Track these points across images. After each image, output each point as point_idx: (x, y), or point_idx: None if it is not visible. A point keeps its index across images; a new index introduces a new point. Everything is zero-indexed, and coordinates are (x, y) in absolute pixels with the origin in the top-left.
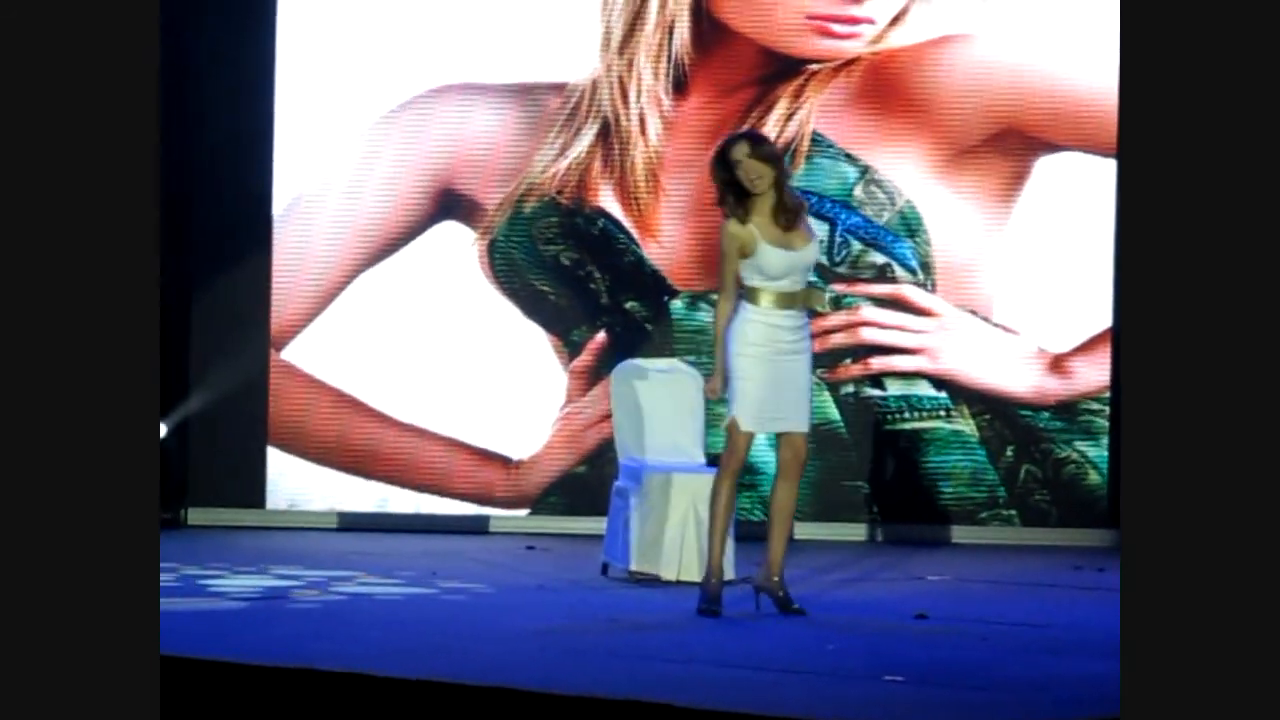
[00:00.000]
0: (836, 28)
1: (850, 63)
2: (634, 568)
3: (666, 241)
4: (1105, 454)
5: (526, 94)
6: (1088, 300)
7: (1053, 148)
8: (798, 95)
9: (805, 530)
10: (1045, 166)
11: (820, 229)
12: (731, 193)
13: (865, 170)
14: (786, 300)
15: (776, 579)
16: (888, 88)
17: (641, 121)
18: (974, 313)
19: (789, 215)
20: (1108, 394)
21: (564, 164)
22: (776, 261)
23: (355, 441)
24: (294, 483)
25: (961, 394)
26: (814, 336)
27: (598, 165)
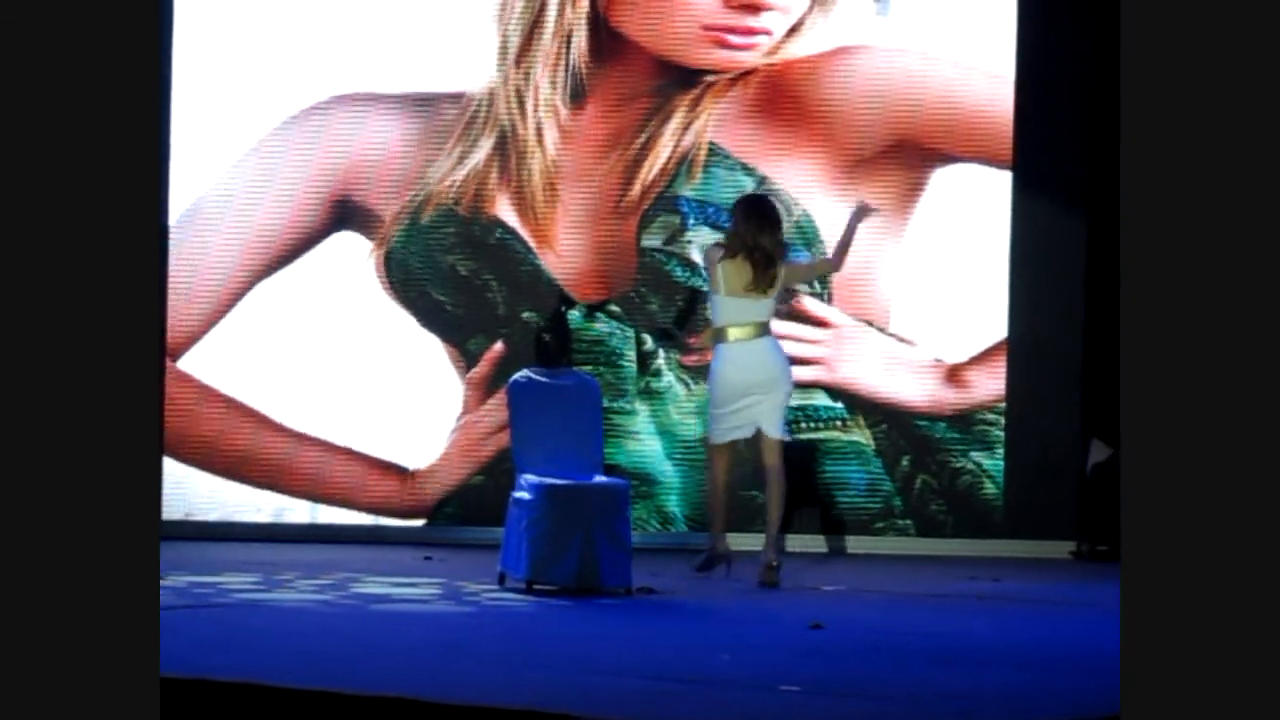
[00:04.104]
0: (733, 38)
1: (747, 73)
2: (531, 578)
3: (564, 251)
4: (1001, 464)
5: (424, 104)
6: (984, 311)
7: (949, 159)
8: (695, 105)
9: (701, 539)
10: (941, 178)
11: (716, 239)
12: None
13: (761, 181)
14: None
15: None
16: (784, 98)
17: (539, 131)
18: (870, 323)
19: None
20: (1003, 404)
21: (461, 174)
22: None
23: (251, 451)
24: (190, 493)
25: (858, 404)
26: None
27: (495, 175)
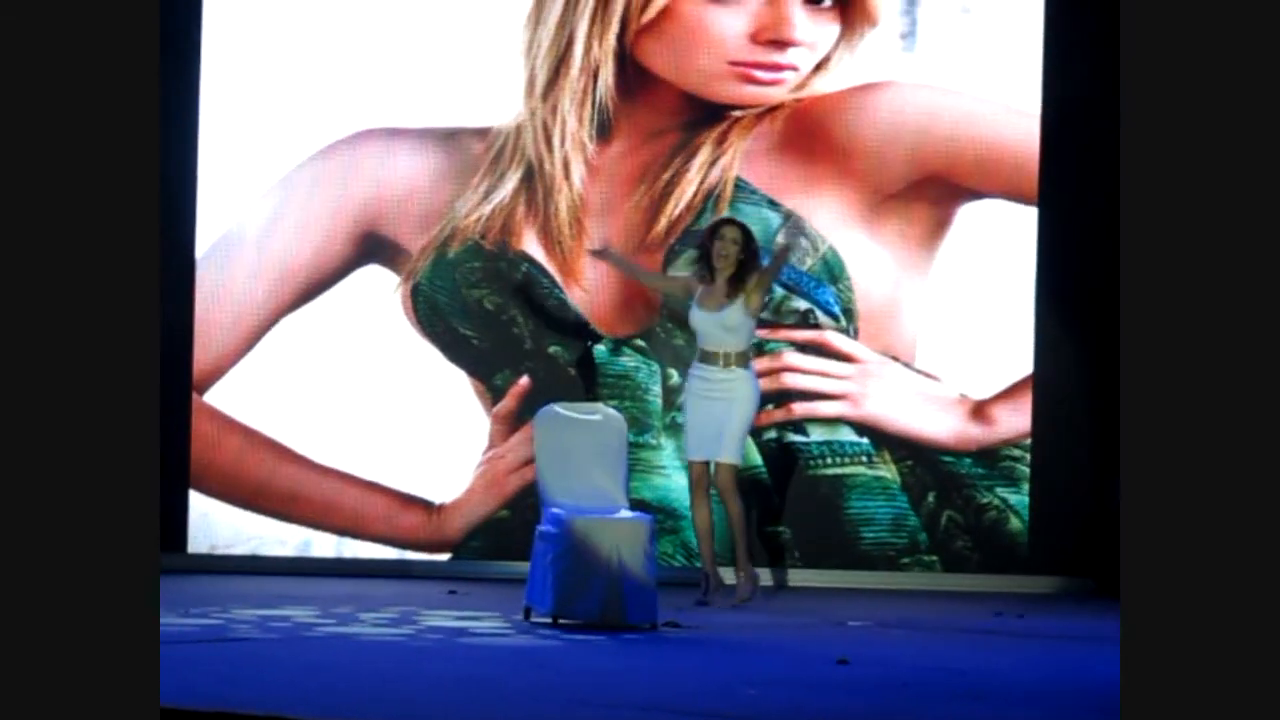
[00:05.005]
0: (760, 74)
1: (774, 109)
2: (557, 612)
3: (590, 286)
4: (1026, 500)
5: (451, 138)
6: (1010, 347)
7: (975, 195)
8: (721, 141)
9: (728, 575)
10: (968, 213)
11: None
12: (702, 255)
13: (788, 216)
14: (709, 356)
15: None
16: (811, 134)
17: (565, 166)
18: (896, 358)
19: (734, 287)
20: (1029, 440)
21: (488, 208)
22: (696, 321)
23: (277, 485)
24: (215, 527)
25: (884, 440)
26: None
27: (522, 210)
